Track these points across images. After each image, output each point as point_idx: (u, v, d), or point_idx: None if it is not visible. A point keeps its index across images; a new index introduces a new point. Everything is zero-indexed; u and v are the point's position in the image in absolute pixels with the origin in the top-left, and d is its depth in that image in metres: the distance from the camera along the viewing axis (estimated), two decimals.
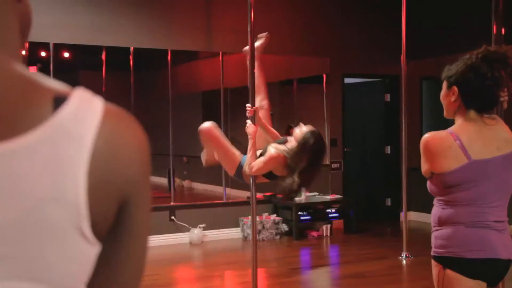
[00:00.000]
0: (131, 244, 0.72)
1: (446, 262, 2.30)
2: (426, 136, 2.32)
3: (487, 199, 2.26)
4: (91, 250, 0.68)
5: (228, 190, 7.53)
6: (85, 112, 0.66)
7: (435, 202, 2.38)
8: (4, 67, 0.66)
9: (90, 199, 0.65)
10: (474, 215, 2.26)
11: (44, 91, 0.66)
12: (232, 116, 7.44)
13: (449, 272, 2.28)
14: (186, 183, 9.07)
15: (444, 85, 2.35)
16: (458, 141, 2.24)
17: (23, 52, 0.79)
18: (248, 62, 4.07)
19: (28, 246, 0.63)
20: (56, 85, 0.68)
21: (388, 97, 8.76)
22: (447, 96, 2.34)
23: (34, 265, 0.64)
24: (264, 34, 4.21)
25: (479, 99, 2.27)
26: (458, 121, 2.33)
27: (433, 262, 2.36)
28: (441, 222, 2.33)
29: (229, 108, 7.54)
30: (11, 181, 0.62)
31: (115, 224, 0.70)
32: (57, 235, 0.64)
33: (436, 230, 2.36)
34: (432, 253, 2.37)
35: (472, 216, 2.26)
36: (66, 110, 0.65)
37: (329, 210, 7.68)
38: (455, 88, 2.29)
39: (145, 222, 0.73)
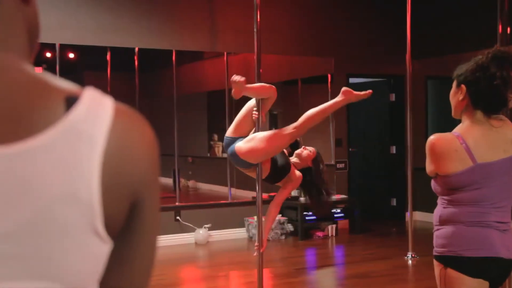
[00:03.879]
0: (141, 242, 0.74)
1: (447, 261, 2.30)
2: (432, 138, 2.31)
3: (491, 200, 2.25)
4: (104, 248, 0.69)
5: (233, 190, 7.53)
6: (96, 112, 0.67)
7: (438, 201, 2.38)
8: (15, 67, 0.67)
9: (104, 197, 0.66)
10: (476, 215, 2.25)
11: (55, 91, 0.67)
12: None
13: (450, 271, 2.28)
14: (191, 183, 9.08)
15: (454, 84, 2.34)
16: (464, 144, 2.23)
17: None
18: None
19: (41, 245, 0.63)
20: (66, 85, 0.68)
21: (393, 97, 8.74)
22: (455, 95, 2.33)
23: (47, 264, 0.64)
24: None
25: (486, 99, 2.26)
26: (465, 122, 2.31)
27: (434, 261, 2.36)
28: (442, 221, 2.33)
29: (234, 108, 7.53)
30: (25, 181, 0.62)
31: (126, 223, 0.71)
32: (70, 233, 0.64)
33: (437, 229, 2.36)
34: (433, 253, 2.37)
35: (473, 216, 2.25)
36: (78, 110, 0.66)
37: (334, 210, 7.67)
38: (463, 86, 2.28)
39: (155, 220, 0.74)
